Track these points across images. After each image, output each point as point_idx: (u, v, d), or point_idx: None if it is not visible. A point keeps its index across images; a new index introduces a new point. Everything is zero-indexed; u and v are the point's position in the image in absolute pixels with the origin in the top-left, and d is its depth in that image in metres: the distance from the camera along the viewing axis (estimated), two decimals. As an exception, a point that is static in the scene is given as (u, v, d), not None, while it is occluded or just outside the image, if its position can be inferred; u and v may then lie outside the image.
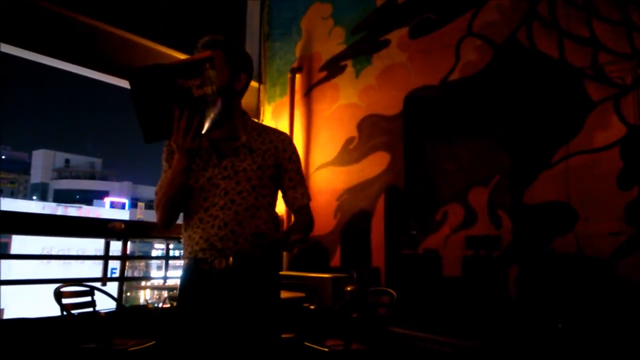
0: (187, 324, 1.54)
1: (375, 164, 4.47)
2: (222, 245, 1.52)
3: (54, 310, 2.93)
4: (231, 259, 1.52)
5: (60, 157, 45.88)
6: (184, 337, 1.54)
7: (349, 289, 3.84)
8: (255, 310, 1.54)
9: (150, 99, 1.37)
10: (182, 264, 1.64)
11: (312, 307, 3.57)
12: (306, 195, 1.71)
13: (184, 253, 1.61)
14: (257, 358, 1.54)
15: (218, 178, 1.56)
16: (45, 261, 20.02)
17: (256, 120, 1.81)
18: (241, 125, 1.63)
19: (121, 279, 4.05)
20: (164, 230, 1.64)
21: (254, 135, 1.64)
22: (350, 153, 4.68)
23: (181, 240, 1.64)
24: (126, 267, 4.20)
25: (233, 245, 1.53)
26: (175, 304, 3.32)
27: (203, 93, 1.36)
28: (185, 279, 1.60)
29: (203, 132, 1.42)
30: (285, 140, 1.69)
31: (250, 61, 1.68)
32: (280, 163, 1.65)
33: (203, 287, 1.54)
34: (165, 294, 3.74)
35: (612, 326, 3.01)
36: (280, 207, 1.71)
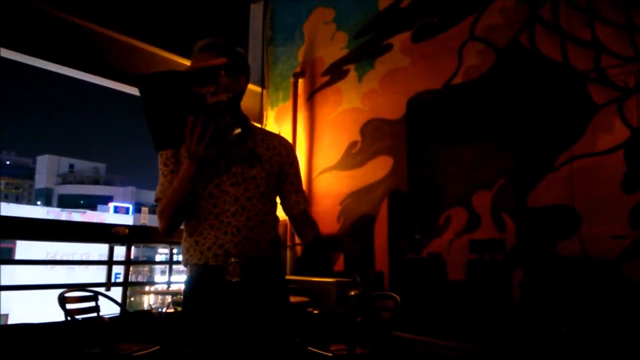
0: (198, 331, 1.53)
1: (378, 168, 4.47)
2: (236, 252, 1.52)
3: (58, 316, 2.93)
4: (244, 265, 1.52)
5: (64, 162, 46.06)
6: (194, 344, 1.52)
7: (352, 293, 3.83)
8: (271, 318, 1.55)
9: (161, 105, 1.33)
10: (186, 270, 1.62)
11: (315, 311, 3.56)
12: (306, 200, 1.74)
13: (188, 259, 1.57)
14: None
15: (227, 184, 1.56)
16: (49, 266, 20.07)
17: (256, 124, 1.82)
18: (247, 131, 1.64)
19: (125, 284, 4.05)
20: (166, 237, 1.62)
21: (258, 141, 1.65)
22: (354, 157, 4.68)
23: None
24: (130, 272, 4.20)
25: (247, 251, 1.53)
26: (179, 308, 3.31)
27: (217, 100, 1.32)
28: (194, 286, 1.57)
29: (222, 144, 1.39)
30: (287, 146, 1.71)
31: (247, 61, 1.67)
32: (283, 168, 1.67)
33: (216, 294, 1.52)
34: (169, 298, 3.74)
35: (617, 329, 2.99)
36: (280, 212, 1.72)
